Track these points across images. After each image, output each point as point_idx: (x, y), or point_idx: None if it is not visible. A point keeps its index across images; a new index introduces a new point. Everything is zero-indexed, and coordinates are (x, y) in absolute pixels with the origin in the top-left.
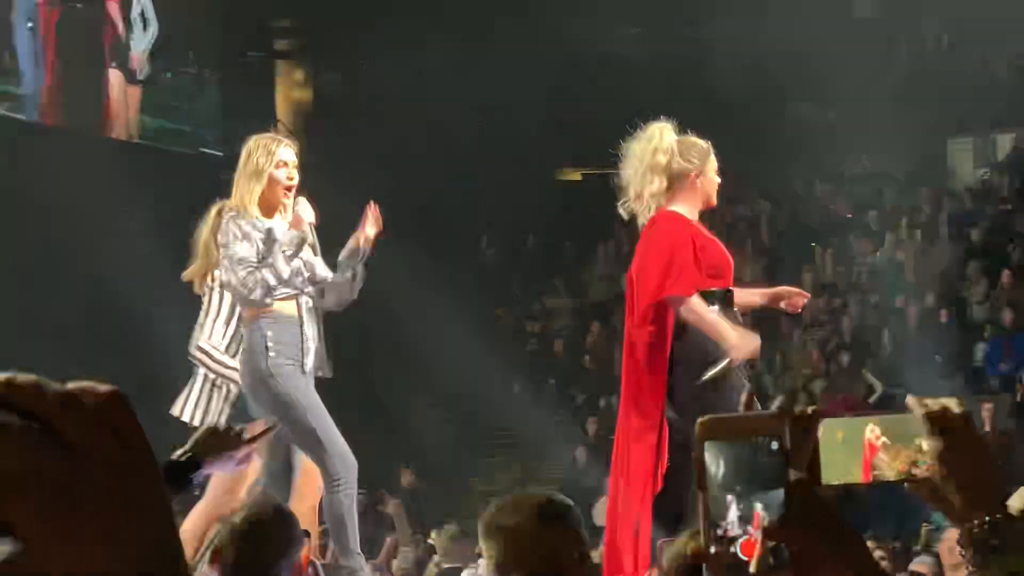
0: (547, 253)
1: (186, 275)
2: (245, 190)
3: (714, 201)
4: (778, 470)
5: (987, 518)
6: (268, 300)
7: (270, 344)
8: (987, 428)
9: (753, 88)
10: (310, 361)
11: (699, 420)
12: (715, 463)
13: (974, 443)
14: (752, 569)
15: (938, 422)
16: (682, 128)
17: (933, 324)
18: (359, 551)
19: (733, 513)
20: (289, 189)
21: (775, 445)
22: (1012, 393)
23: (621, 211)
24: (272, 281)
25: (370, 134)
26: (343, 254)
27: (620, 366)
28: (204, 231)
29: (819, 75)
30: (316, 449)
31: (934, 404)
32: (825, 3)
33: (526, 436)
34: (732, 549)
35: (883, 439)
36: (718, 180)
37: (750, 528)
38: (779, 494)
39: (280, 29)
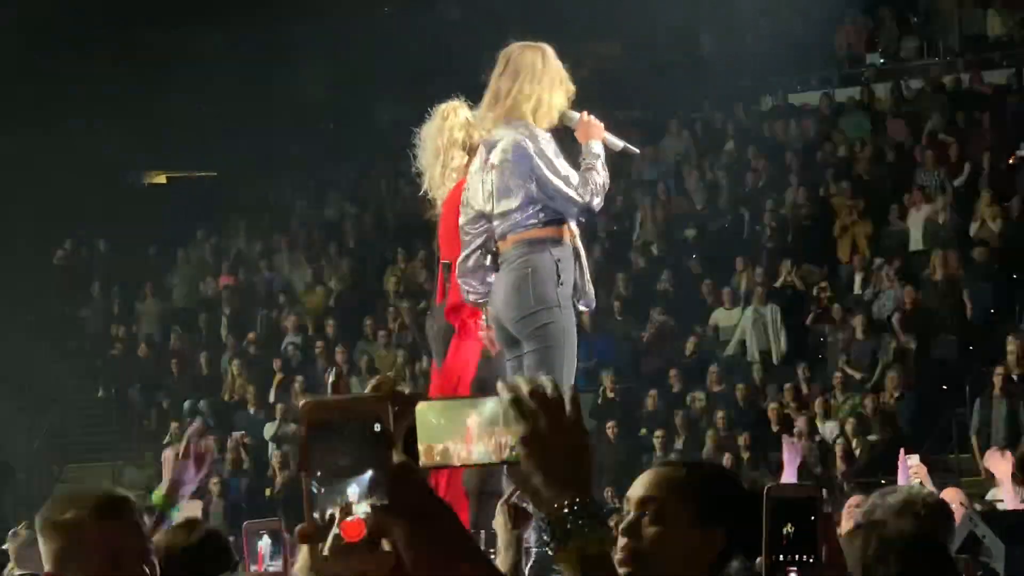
0: (130, 256)
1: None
2: (550, 97)
3: None
4: (379, 453)
5: (566, 503)
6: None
7: (561, 271)
8: None
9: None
10: (588, 295)
11: (302, 402)
12: (319, 445)
13: (558, 430)
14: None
15: (523, 407)
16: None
17: None
18: None
19: (335, 495)
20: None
21: (377, 427)
22: (596, 392)
23: (428, 201)
24: (601, 184)
25: None
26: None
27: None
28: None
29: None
30: None
31: (524, 387)
32: None
33: (113, 440)
34: (334, 530)
35: (476, 422)
36: None
37: (355, 508)
38: (370, 476)
39: None
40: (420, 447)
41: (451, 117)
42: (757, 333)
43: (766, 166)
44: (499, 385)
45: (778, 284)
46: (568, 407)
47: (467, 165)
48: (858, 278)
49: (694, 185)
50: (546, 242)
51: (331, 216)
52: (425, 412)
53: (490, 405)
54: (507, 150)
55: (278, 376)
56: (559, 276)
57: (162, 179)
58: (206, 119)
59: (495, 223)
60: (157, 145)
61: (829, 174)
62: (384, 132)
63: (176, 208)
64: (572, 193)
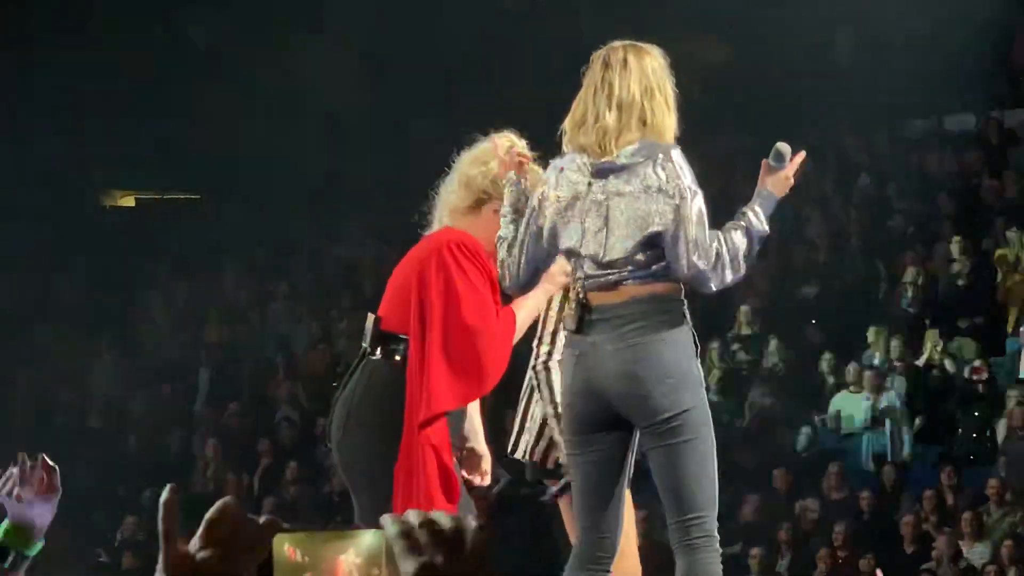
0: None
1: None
2: (673, 125)
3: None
4: None
5: None
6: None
7: (696, 341)
8: None
9: None
10: None
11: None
12: None
13: (456, 569)
14: None
15: (415, 541)
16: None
17: None
18: None
19: None
20: None
21: None
22: None
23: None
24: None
25: None
26: None
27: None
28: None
29: None
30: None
31: (415, 519)
32: None
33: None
34: None
35: (350, 559)
36: None
37: None
38: None
39: None
40: None
41: (480, 152)
42: (891, 424)
43: (911, 208)
44: (383, 517)
45: (920, 362)
46: (469, 542)
47: (465, 208)
48: None
49: (817, 230)
50: (674, 300)
51: (344, 256)
52: (284, 545)
53: (369, 539)
54: (661, 178)
55: (265, 461)
56: (696, 345)
57: (130, 201)
58: (192, 133)
59: (602, 270)
60: (128, 161)
61: (994, 221)
62: (415, 150)
63: (144, 239)
64: (724, 255)
